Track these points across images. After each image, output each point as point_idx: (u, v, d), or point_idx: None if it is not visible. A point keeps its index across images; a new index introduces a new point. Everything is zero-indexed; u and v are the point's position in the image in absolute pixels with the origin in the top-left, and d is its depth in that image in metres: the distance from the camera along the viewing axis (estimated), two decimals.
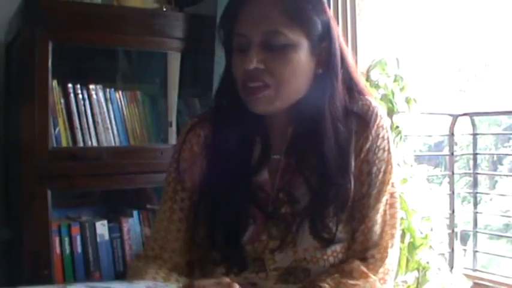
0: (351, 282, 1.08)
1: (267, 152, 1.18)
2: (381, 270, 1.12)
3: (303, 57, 1.11)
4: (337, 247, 1.13)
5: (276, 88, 1.09)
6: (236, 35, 1.12)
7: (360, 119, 1.15)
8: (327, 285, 1.05)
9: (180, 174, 1.22)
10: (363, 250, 1.13)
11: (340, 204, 1.12)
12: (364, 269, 1.10)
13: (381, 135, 1.16)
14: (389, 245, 1.14)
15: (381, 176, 1.15)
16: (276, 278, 1.11)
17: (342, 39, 1.18)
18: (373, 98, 1.22)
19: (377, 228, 1.14)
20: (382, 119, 1.17)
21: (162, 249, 1.18)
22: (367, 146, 1.14)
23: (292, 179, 1.14)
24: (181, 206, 1.21)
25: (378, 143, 1.15)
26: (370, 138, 1.14)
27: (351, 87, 1.19)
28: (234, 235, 1.14)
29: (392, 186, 1.17)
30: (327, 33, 1.14)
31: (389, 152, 1.16)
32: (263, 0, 1.10)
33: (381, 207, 1.15)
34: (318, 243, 1.11)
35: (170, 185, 1.23)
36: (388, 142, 1.17)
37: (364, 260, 1.13)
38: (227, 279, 1.00)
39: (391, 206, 1.17)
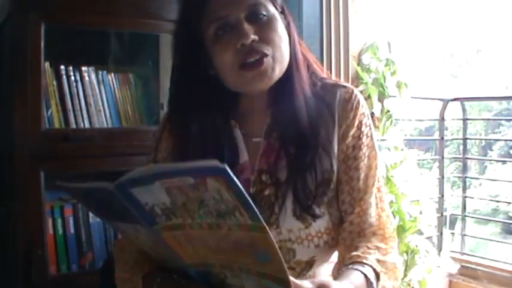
0: (390, 261, 1.11)
1: (246, 136, 1.19)
2: (394, 245, 1.16)
3: (281, 28, 1.14)
4: (321, 228, 1.14)
5: (273, 55, 1.11)
6: (215, 21, 1.11)
7: (342, 106, 1.18)
8: (369, 261, 1.07)
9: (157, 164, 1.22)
10: (360, 231, 1.16)
11: (323, 185, 1.14)
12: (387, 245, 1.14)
13: (364, 122, 1.19)
14: (388, 224, 1.18)
15: (366, 160, 1.18)
16: None
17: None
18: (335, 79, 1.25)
19: (372, 211, 1.17)
20: (364, 107, 1.21)
21: None
22: (352, 132, 1.18)
23: (273, 160, 1.16)
24: None
25: (362, 129, 1.19)
26: (355, 124, 1.18)
27: (308, 64, 1.23)
28: None
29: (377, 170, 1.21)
30: (283, 7, 1.18)
31: (371, 138, 1.20)
32: None
33: (374, 190, 1.19)
34: (302, 223, 1.13)
35: None
36: (371, 129, 1.21)
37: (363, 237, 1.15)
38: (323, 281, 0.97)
39: (378, 190, 1.20)
